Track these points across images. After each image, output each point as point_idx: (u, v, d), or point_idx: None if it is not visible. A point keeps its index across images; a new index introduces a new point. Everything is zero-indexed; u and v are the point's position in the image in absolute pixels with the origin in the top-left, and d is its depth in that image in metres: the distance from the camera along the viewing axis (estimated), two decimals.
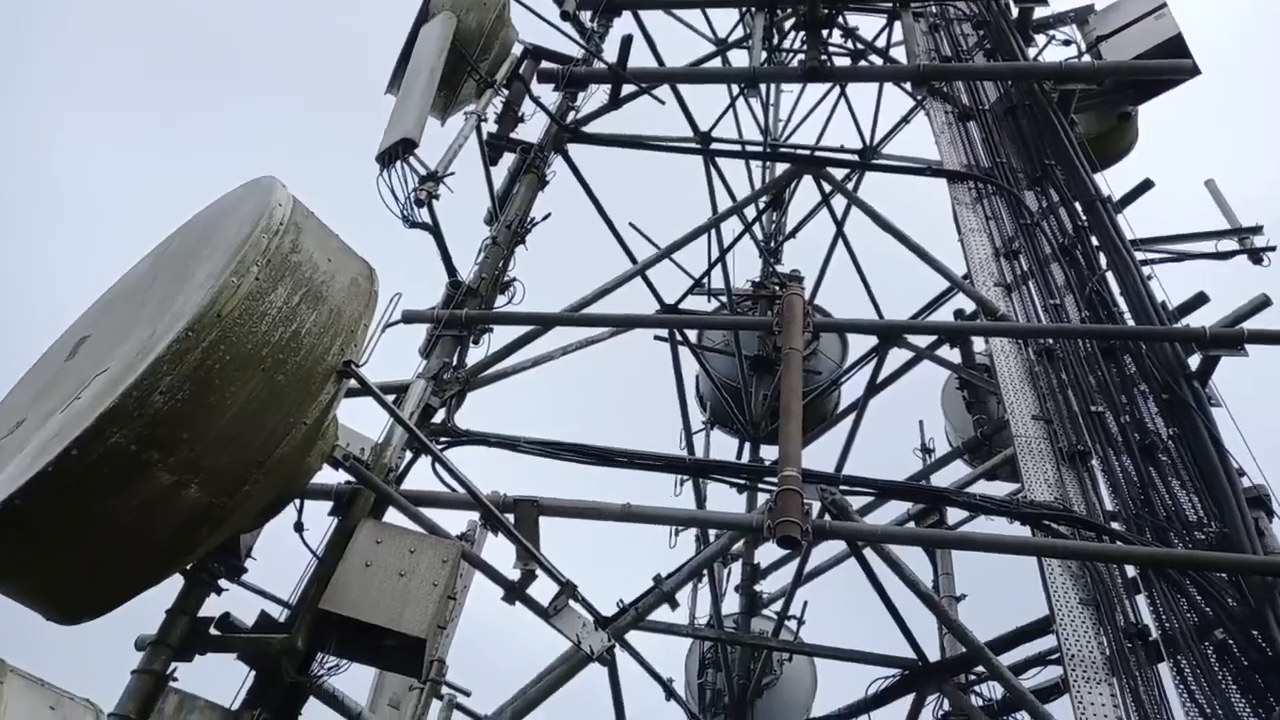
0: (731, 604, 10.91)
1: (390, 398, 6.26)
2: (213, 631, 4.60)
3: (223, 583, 4.77)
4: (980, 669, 6.94)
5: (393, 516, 5.48)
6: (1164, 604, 4.68)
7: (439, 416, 6.37)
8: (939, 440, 9.93)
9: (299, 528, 4.97)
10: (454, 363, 6.71)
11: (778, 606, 10.03)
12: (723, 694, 9.61)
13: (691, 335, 11.72)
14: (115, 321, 4.74)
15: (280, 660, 4.57)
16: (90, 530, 3.64)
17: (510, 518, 5.33)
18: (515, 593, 5.35)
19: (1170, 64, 8.39)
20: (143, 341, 4.04)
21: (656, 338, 10.96)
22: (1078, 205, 7.84)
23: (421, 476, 6.16)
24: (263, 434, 3.82)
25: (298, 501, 4.91)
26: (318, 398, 4.00)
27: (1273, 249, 7.26)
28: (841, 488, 5.47)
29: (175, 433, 3.56)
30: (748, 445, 12.59)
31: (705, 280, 11.53)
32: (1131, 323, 6.55)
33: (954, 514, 8.40)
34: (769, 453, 12.45)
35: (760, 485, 8.42)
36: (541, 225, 8.38)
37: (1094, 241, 7.43)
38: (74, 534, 3.63)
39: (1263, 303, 6.02)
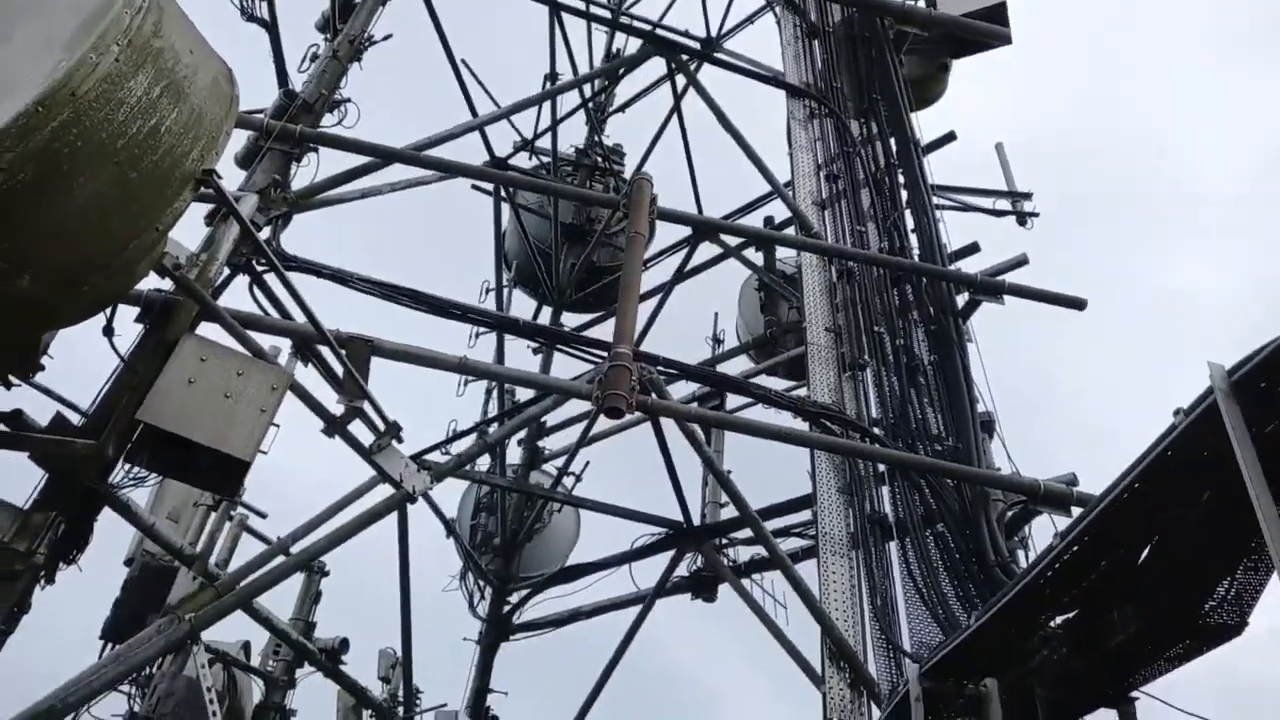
0: (511, 456, 11.45)
1: (209, 208, 5.83)
2: (1, 428, 4.27)
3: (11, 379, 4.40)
4: (734, 535, 7.95)
5: (207, 332, 5.23)
6: (902, 498, 5.70)
7: (263, 236, 6.00)
8: (728, 333, 10.81)
9: (109, 332, 4.64)
10: (281, 181, 6.30)
11: (558, 463, 10.69)
12: (493, 536, 10.19)
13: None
14: None
15: (76, 465, 4.36)
16: None
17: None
18: (336, 427, 5.38)
19: (990, 29, 9.27)
20: None
21: (475, 188, 10.82)
22: (893, 142, 8.61)
23: (235, 296, 5.90)
24: (108, 235, 3.55)
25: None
26: (173, 204, 3.74)
27: (1036, 215, 8.49)
28: (659, 368, 5.93)
29: (14, 218, 3.22)
30: (546, 310, 12.94)
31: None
32: (917, 258, 7.47)
33: (732, 400, 9.35)
34: (569, 320, 12.90)
35: (559, 349, 8.85)
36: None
37: (900, 179, 8.26)
38: None
39: (1021, 260, 7.13)
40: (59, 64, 3.29)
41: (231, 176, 6.60)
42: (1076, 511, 5.09)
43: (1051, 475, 5.62)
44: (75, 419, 4.65)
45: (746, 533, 8.15)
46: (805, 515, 7.41)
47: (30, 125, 3.18)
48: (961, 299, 7.12)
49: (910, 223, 7.97)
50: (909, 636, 4.94)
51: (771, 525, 7.56)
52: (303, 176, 6.75)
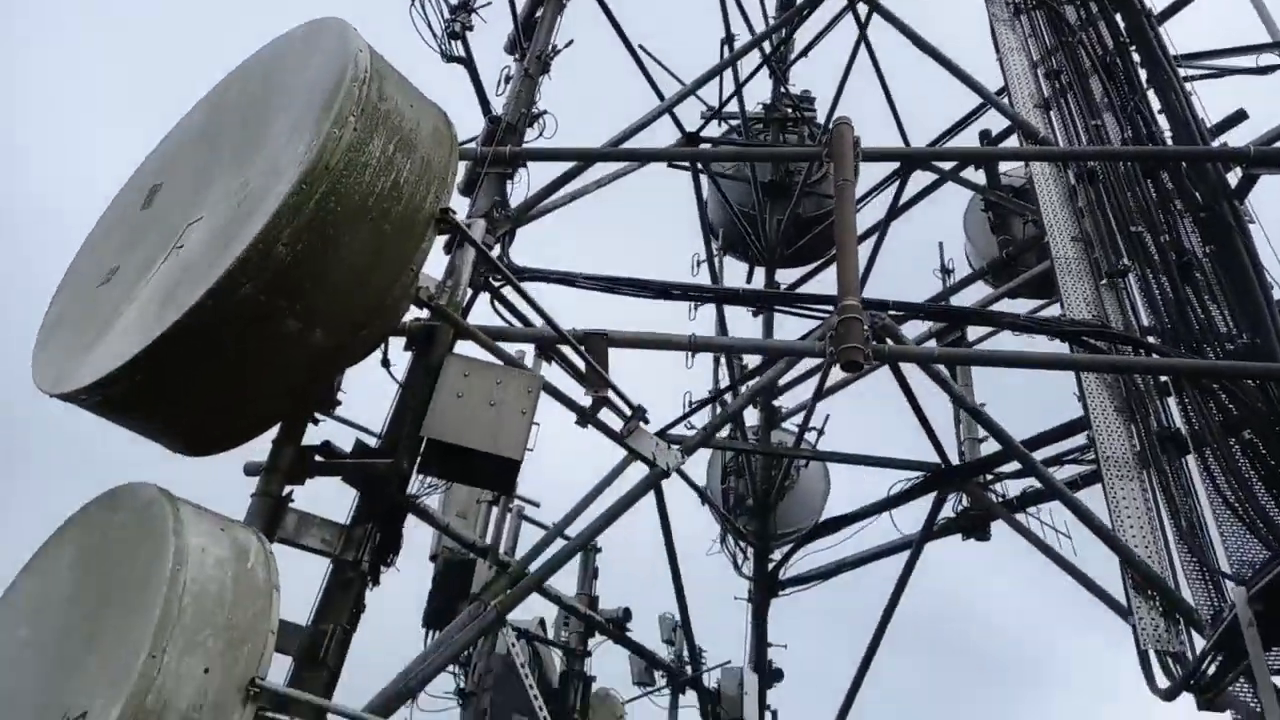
0: (748, 418, 11.54)
1: (445, 238, 6.39)
2: (317, 459, 4.95)
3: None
4: (1000, 470, 7.54)
5: (462, 349, 5.75)
6: (1194, 407, 5.11)
7: (494, 255, 6.48)
8: (957, 262, 10.17)
9: (386, 364, 5.25)
10: (501, 200, 6.76)
11: (796, 420, 10.66)
12: (745, 498, 10.38)
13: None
14: (188, 169, 4.77)
15: (385, 482, 4.96)
16: (222, 374, 3.88)
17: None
18: (588, 418, 5.74)
19: None
20: (234, 190, 4.11)
21: (672, 165, 10.96)
22: (1119, 18, 7.67)
23: (479, 313, 6.42)
24: (376, 281, 4.00)
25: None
26: (420, 245, 4.14)
27: None
28: (891, 312, 5.74)
29: (299, 281, 3.73)
30: (759, 271, 12.88)
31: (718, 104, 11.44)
32: (1171, 141, 6.63)
33: (974, 331, 8.81)
34: (783, 276, 12.78)
35: (782, 310, 8.79)
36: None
37: (1135, 58, 7.35)
38: (208, 377, 3.87)
39: None
40: (310, 144, 3.75)
41: (457, 205, 7.26)
42: None
43: None
44: (371, 442, 5.33)
45: (1011, 466, 7.72)
46: (1077, 441, 6.88)
47: (298, 202, 3.65)
48: (1233, 176, 6.23)
49: (1155, 104, 7.09)
50: (1226, 557, 4.46)
51: (1040, 455, 7.08)
52: (517, 192, 7.26)
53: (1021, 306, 8.55)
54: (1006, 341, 7.44)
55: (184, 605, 3.12)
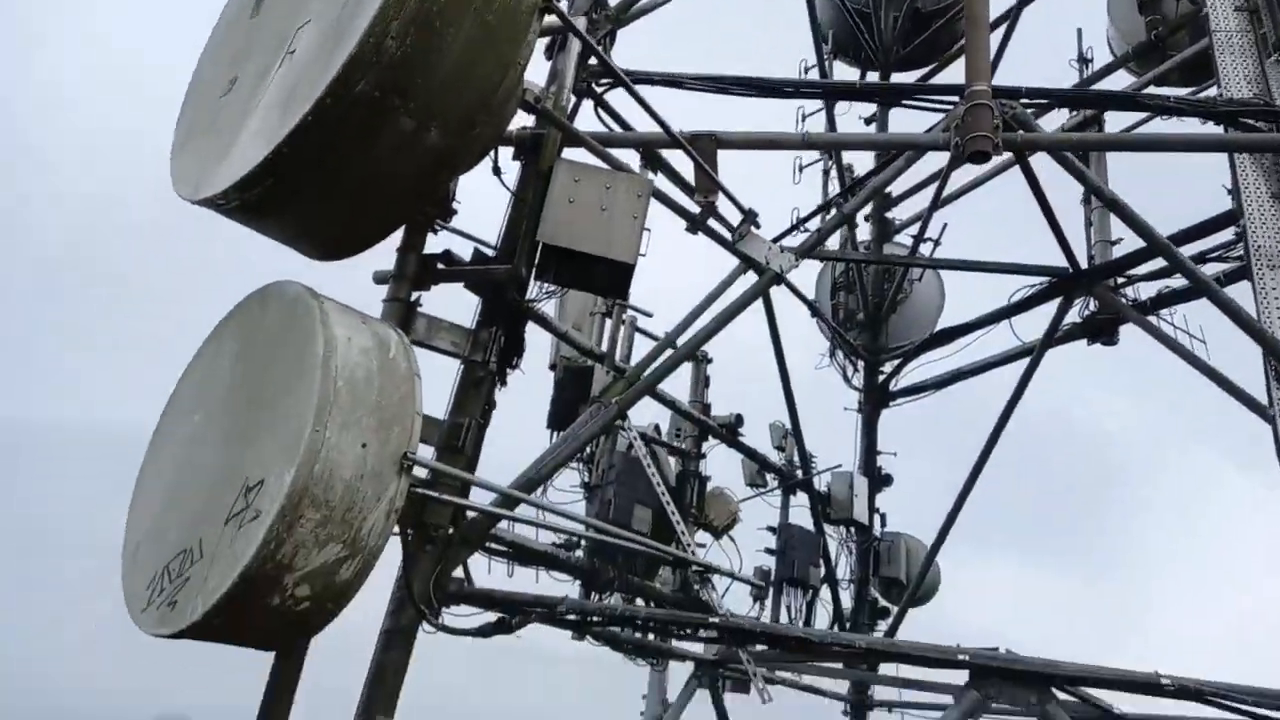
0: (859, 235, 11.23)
1: (544, 41, 6.21)
2: (440, 266, 5.13)
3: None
4: (1130, 272, 7.17)
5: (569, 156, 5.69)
6: None
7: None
8: (1097, 50, 9.24)
9: (496, 171, 5.29)
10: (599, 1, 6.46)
11: (910, 232, 10.29)
12: (855, 312, 10.27)
13: None
14: None
15: (505, 287, 5.12)
16: (348, 174, 3.99)
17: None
18: (698, 224, 5.69)
19: None
20: None
21: None
22: None
23: (581, 122, 6.30)
24: (484, 75, 3.95)
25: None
26: (525, 37, 4.04)
27: None
28: (1022, 101, 5.33)
29: (411, 77, 3.72)
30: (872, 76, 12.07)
31: None
32: None
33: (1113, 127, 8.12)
34: (897, 80, 11.95)
35: (905, 104, 8.30)
36: None
37: None
38: (334, 178, 3.98)
39: None
40: None
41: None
42: None
43: None
44: (488, 253, 5.46)
45: (1145, 268, 7.32)
46: (1217, 239, 6.43)
47: None
48: None
49: None
50: None
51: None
52: None
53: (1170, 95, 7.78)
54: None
55: (339, 388, 3.38)
